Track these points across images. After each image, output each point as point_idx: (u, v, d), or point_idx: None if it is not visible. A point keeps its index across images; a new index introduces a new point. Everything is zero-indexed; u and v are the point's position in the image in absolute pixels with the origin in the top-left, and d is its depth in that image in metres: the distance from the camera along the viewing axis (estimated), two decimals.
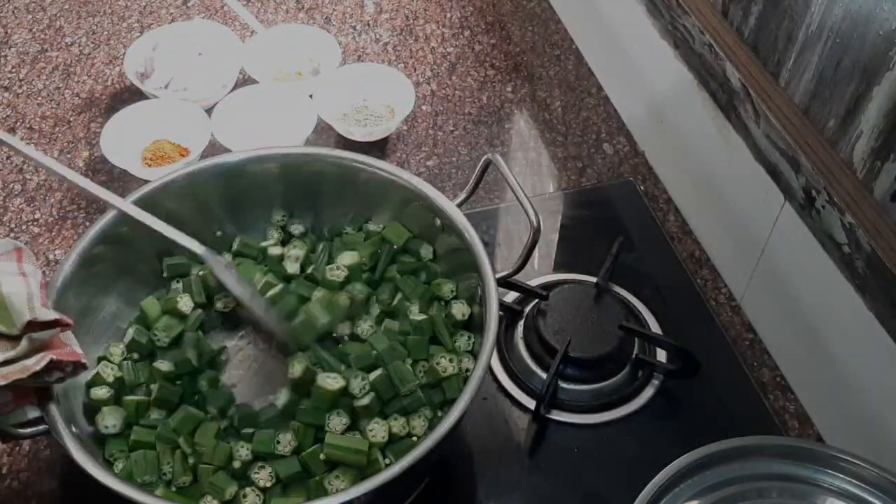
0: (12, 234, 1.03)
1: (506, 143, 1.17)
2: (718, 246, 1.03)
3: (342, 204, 0.91)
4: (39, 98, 1.18)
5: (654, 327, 0.95)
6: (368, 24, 1.31)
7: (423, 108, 1.20)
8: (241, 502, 0.74)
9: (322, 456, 0.75)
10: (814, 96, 0.82)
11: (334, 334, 0.84)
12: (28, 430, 0.71)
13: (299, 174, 0.90)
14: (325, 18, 1.32)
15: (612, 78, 1.22)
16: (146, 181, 0.89)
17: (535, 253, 0.88)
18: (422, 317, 0.83)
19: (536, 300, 0.95)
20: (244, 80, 1.19)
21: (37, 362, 0.67)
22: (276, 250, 0.89)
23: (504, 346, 0.93)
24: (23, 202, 1.06)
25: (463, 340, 0.82)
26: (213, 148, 1.06)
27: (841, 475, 0.71)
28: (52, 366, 0.68)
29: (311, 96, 1.13)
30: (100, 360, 0.82)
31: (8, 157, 1.11)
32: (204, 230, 0.89)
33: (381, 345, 0.80)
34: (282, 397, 0.80)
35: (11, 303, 0.69)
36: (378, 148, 1.14)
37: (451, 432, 0.70)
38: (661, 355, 0.92)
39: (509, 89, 1.23)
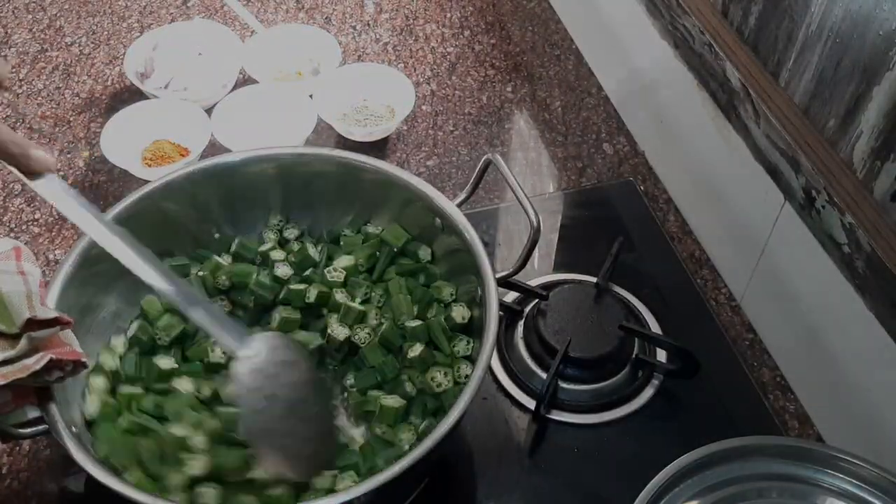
0: (12, 234, 1.03)
1: (506, 143, 1.17)
2: (718, 246, 1.03)
3: (342, 204, 0.91)
4: (39, 98, 1.18)
5: (654, 327, 0.95)
6: (368, 24, 1.31)
7: (423, 108, 1.20)
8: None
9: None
10: (814, 96, 0.82)
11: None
12: (28, 430, 0.71)
13: (299, 174, 0.90)
14: (325, 18, 1.32)
15: (612, 78, 1.22)
16: (146, 181, 0.89)
17: (535, 253, 0.87)
18: (417, 322, 0.82)
19: (536, 300, 0.95)
20: (244, 80, 1.19)
21: (36, 361, 0.67)
22: (274, 254, 0.89)
23: (504, 346, 0.93)
24: (23, 202, 1.06)
25: (462, 345, 0.81)
26: (213, 148, 1.06)
27: (841, 475, 0.71)
28: (52, 365, 0.68)
29: (311, 96, 1.13)
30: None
31: None
32: (203, 231, 0.89)
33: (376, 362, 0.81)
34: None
35: (10, 301, 0.69)
36: (378, 148, 1.14)
37: (451, 432, 0.69)
38: (661, 355, 0.92)
39: (509, 89, 1.23)
